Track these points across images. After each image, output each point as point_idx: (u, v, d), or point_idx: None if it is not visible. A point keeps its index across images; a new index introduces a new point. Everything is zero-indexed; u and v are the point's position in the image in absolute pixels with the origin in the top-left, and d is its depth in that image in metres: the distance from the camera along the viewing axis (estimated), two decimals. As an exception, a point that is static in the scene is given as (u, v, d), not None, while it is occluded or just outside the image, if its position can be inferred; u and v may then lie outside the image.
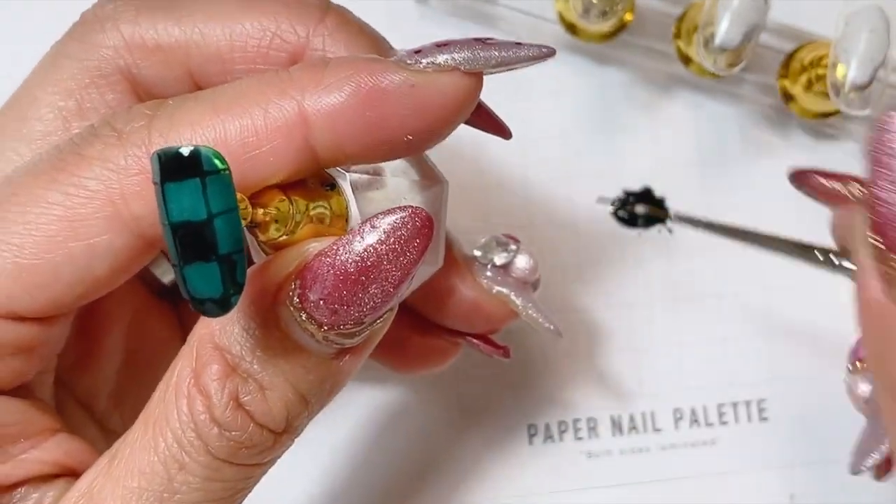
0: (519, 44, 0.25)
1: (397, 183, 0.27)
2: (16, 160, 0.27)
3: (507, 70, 0.25)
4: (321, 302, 0.24)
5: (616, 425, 0.39)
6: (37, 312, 0.25)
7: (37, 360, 0.26)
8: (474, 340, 0.33)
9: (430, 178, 0.28)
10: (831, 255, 0.29)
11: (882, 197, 0.24)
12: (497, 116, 0.30)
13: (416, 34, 0.41)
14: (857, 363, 0.30)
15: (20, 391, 0.26)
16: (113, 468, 0.25)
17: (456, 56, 0.24)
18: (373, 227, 0.24)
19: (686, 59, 0.39)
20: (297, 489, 0.38)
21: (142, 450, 0.25)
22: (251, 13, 0.28)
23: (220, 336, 0.24)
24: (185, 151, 0.20)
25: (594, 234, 0.40)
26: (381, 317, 0.25)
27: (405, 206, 0.24)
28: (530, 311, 0.32)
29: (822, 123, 0.40)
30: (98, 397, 0.31)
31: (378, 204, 0.26)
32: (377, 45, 0.28)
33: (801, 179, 0.30)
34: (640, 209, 0.40)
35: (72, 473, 0.26)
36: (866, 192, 0.24)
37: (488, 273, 0.32)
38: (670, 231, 0.40)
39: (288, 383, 0.25)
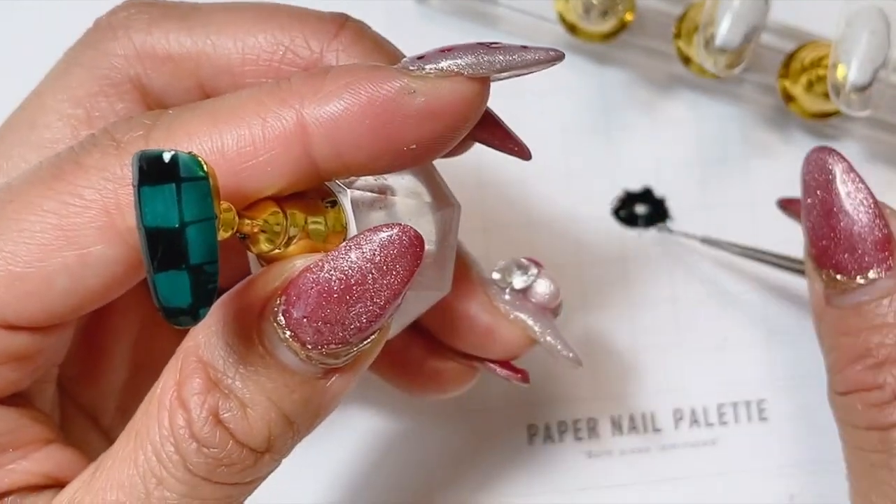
0: (525, 47, 0.24)
1: (405, 203, 0.26)
2: (23, 166, 0.27)
3: (514, 76, 0.24)
4: (304, 320, 0.23)
5: (616, 425, 0.39)
6: (30, 322, 0.25)
7: (32, 370, 0.26)
8: (491, 364, 0.31)
9: (441, 199, 0.28)
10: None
11: (811, 222, 0.31)
12: (516, 136, 0.29)
13: (415, 34, 0.41)
14: None
15: (15, 399, 0.26)
16: (94, 480, 0.25)
17: (459, 61, 0.24)
18: (358, 244, 0.23)
19: (686, 60, 0.39)
20: (293, 494, 0.38)
21: (122, 462, 0.24)
22: (265, 26, 0.27)
23: (204, 350, 0.24)
24: (166, 157, 0.20)
25: (594, 233, 0.40)
26: (367, 338, 0.24)
27: (394, 224, 0.23)
28: (549, 339, 0.30)
29: (823, 124, 0.40)
30: (104, 409, 0.30)
31: (380, 223, 0.25)
32: (393, 59, 0.27)
33: (790, 206, 0.34)
34: (640, 209, 0.40)
35: (61, 485, 0.26)
36: (802, 218, 0.31)
37: (506, 297, 0.31)
38: (670, 231, 0.40)
39: (270, 402, 0.24)
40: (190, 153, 0.21)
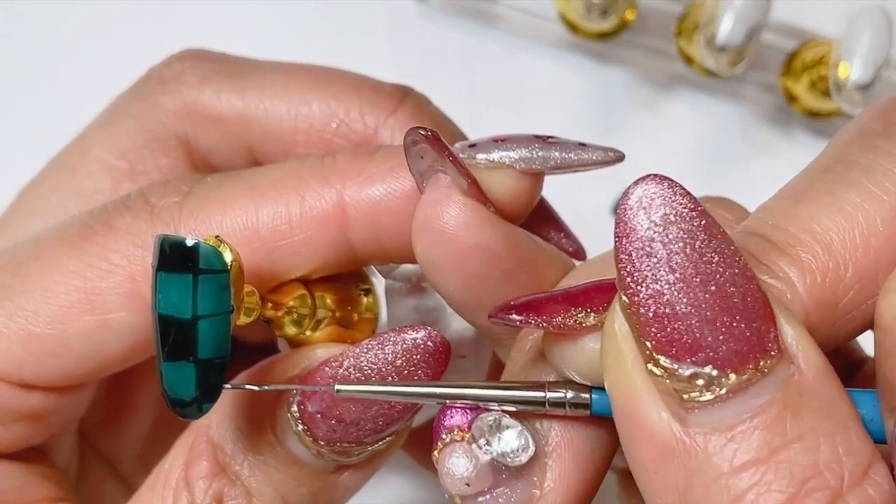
0: (583, 145, 0.23)
1: (442, 300, 0.24)
2: (60, 212, 0.26)
3: (569, 172, 0.23)
4: (318, 415, 0.22)
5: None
6: (46, 382, 0.24)
7: (46, 427, 0.25)
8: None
9: None
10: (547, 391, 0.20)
11: (641, 297, 0.18)
12: (571, 233, 0.27)
13: (415, 33, 0.41)
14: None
15: (27, 454, 0.25)
16: None
17: (512, 154, 0.22)
18: (381, 344, 0.22)
19: (688, 58, 0.39)
20: None
21: None
22: (321, 95, 0.26)
23: (216, 430, 0.23)
24: (189, 243, 0.19)
25: (594, 233, 0.40)
26: (382, 439, 0.23)
27: (421, 327, 0.22)
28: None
29: (825, 123, 0.40)
30: (124, 457, 0.30)
31: (413, 317, 0.25)
32: (451, 141, 0.24)
33: (500, 316, 0.20)
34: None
35: None
36: (626, 297, 0.18)
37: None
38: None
39: (277, 493, 0.23)
40: (217, 238, 0.20)
